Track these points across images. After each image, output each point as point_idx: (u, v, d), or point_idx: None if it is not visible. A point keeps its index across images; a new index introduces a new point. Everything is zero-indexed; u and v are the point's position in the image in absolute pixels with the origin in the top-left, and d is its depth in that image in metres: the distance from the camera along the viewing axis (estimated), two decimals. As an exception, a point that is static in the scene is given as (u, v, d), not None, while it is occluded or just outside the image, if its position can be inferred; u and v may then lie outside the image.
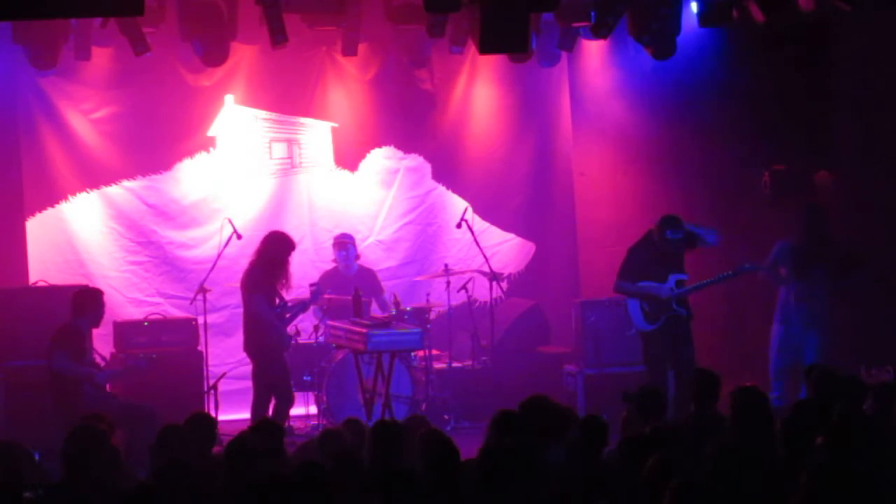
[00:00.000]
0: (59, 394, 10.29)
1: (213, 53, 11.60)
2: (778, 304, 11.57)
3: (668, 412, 8.57)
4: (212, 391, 11.02)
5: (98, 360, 10.93)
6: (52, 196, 12.57)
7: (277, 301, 11.04)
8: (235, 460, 7.00)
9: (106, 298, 10.80)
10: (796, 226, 11.52)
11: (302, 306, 11.30)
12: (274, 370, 10.98)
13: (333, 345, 11.78)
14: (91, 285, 11.32)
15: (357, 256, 12.75)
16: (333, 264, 12.77)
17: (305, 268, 12.77)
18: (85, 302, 10.53)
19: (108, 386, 10.81)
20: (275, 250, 11.02)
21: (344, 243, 12.68)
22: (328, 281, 12.36)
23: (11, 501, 6.49)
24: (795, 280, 11.41)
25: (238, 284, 11.27)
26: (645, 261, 11.15)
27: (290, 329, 11.32)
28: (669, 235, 11.05)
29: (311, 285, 11.48)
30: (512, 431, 7.21)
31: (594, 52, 13.38)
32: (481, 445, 6.94)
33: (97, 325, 10.73)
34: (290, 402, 11.03)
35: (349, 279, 12.41)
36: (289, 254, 11.08)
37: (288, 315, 11.13)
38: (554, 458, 7.21)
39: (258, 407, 10.96)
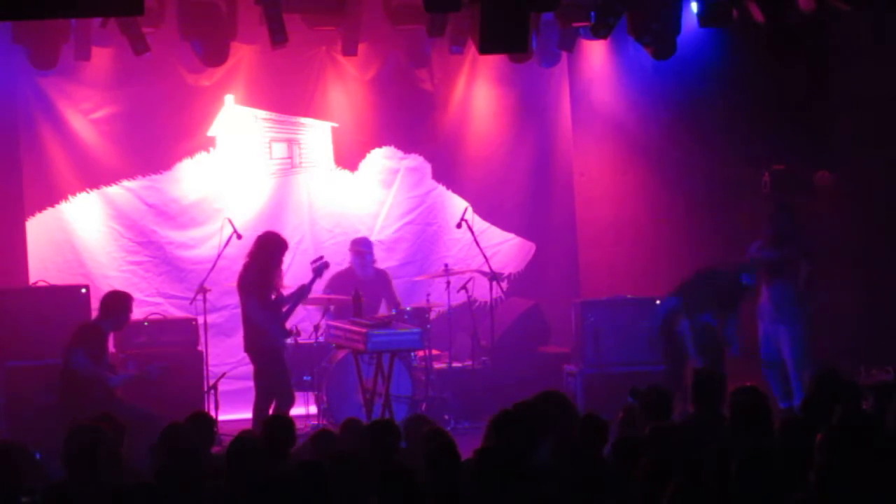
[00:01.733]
0: (69, 391, 10.31)
1: (213, 53, 11.61)
2: (759, 301, 11.65)
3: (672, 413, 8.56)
4: (212, 391, 11.02)
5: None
6: (52, 196, 12.57)
7: (274, 297, 11.02)
8: (237, 460, 7.00)
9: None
10: (765, 226, 11.59)
11: (300, 293, 11.20)
12: (273, 371, 10.97)
13: (333, 345, 11.78)
14: (124, 290, 11.25)
15: (373, 261, 12.75)
16: (348, 265, 12.77)
17: (305, 268, 12.73)
18: (114, 305, 10.61)
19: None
20: (268, 251, 10.99)
21: (360, 251, 12.67)
22: (343, 281, 12.40)
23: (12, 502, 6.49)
24: (765, 279, 11.50)
25: (235, 285, 11.27)
26: (703, 288, 11.23)
27: (291, 328, 11.30)
28: (745, 280, 11.15)
29: (313, 262, 11.42)
30: (511, 430, 7.20)
31: (594, 52, 13.37)
32: (479, 445, 6.97)
33: (119, 329, 10.80)
34: (290, 403, 11.02)
35: (365, 282, 12.38)
36: (282, 254, 11.06)
37: (286, 307, 11.08)
38: (553, 456, 7.22)
39: (259, 407, 10.95)
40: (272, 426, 7.70)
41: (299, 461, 6.86)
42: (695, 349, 11.15)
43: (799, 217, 11.48)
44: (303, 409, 12.17)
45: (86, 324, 10.59)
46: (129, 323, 11.02)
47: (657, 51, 11.59)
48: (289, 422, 7.81)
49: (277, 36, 11.28)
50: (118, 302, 10.65)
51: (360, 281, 12.35)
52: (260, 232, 11.50)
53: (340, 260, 13.11)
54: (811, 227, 11.59)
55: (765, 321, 11.54)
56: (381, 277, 12.75)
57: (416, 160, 13.74)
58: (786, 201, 11.55)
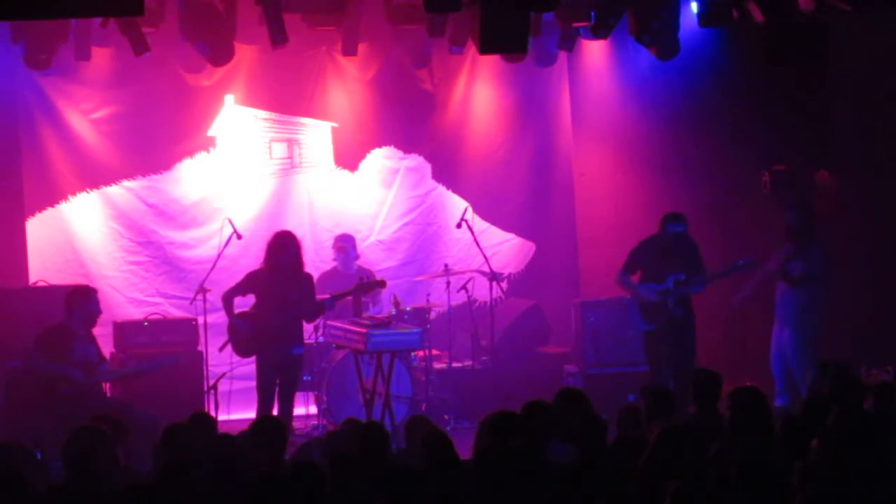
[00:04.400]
0: (35, 392, 10.35)
1: (219, 53, 11.61)
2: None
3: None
4: (212, 391, 11.01)
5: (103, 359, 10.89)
6: (52, 196, 12.56)
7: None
8: (236, 459, 7.01)
9: (103, 297, 10.82)
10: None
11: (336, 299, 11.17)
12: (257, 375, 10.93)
13: (333, 345, 11.78)
14: (84, 284, 11.23)
15: (357, 257, 12.75)
16: (334, 264, 12.78)
17: (305, 267, 12.75)
18: (73, 301, 10.56)
19: (107, 386, 10.75)
20: (280, 255, 10.85)
21: (344, 247, 12.67)
22: (329, 281, 12.37)
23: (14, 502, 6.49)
24: (779, 279, 11.56)
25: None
26: (650, 255, 11.23)
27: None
28: (670, 229, 11.13)
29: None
30: (507, 434, 7.20)
31: (594, 52, 13.39)
32: (474, 447, 6.98)
33: (92, 323, 10.69)
34: (266, 408, 10.86)
35: (350, 279, 12.39)
36: (297, 254, 10.92)
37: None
38: (554, 457, 7.21)
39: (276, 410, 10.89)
40: (267, 426, 7.73)
41: (296, 461, 6.86)
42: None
43: (812, 217, 11.49)
44: (303, 409, 12.16)
45: (50, 325, 10.56)
46: (100, 313, 10.80)
47: (660, 51, 11.59)
48: (281, 423, 7.89)
49: (277, 36, 11.29)
50: (77, 297, 10.59)
51: (345, 278, 12.33)
52: (264, 232, 11.48)
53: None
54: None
55: (776, 322, 11.60)
56: (366, 276, 12.66)
57: (416, 160, 13.74)
58: (799, 200, 11.58)
